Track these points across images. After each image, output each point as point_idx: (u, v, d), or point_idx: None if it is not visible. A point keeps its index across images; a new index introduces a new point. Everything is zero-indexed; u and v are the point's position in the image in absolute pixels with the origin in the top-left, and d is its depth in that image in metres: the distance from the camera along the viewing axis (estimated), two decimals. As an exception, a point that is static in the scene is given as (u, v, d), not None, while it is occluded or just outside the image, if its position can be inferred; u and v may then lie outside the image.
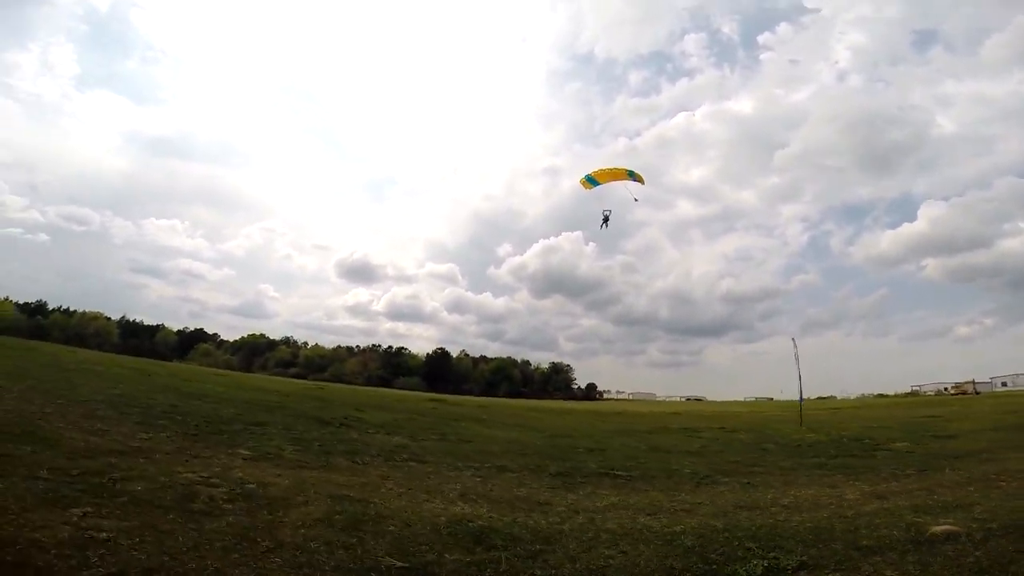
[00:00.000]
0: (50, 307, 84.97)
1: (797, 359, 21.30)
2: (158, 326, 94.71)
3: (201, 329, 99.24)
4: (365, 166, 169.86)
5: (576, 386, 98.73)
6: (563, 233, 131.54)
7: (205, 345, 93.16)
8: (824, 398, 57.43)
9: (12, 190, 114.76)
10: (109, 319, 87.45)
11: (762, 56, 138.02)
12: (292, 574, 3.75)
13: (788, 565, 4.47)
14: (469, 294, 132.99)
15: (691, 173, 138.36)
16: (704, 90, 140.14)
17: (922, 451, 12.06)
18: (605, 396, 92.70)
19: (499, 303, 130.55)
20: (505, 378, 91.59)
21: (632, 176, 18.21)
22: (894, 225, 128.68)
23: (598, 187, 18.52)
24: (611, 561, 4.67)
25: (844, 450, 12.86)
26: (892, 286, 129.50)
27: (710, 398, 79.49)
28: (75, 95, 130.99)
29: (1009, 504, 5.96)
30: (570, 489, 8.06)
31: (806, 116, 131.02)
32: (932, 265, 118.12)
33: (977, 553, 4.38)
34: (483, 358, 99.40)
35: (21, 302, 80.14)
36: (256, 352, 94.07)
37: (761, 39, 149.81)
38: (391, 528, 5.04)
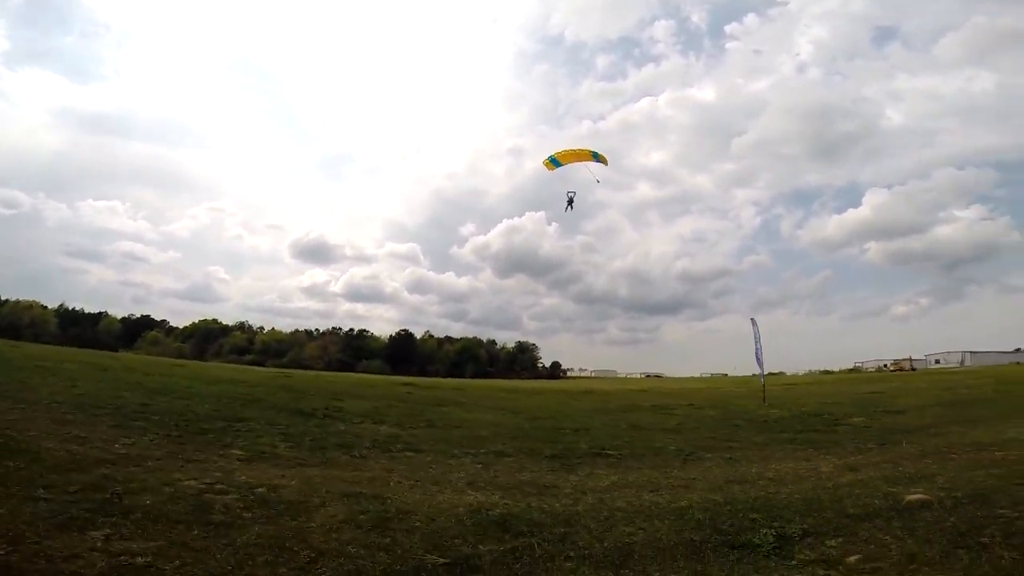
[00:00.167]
0: (-23, 296, 77.96)
1: (757, 339, 22.33)
2: (101, 314, 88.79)
3: (148, 315, 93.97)
4: (321, 143, 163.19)
5: (541, 364, 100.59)
6: (526, 213, 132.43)
7: (153, 332, 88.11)
8: (774, 374, 61.14)
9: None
10: (45, 307, 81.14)
11: (728, 45, 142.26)
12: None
13: (794, 533, 4.89)
14: (431, 274, 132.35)
15: (651, 157, 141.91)
16: (669, 76, 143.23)
17: (878, 426, 13.24)
18: (569, 374, 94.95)
19: (462, 282, 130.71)
20: (471, 358, 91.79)
21: (596, 157, 18.31)
22: (840, 210, 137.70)
23: (560, 168, 18.60)
24: (634, 538, 4.94)
25: (808, 425, 13.91)
26: (835, 268, 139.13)
27: (668, 374, 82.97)
28: (4, 72, 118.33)
29: (965, 475, 6.69)
30: (569, 471, 8.36)
31: (765, 106, 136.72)
32: (874, 249, 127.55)
33: (952, 519, 4.93)
34: (448, 339, 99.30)
35: (-55, 293, 73.03)
36: (209, 338, 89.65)
37: (728, 29, 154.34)
38: (417, 524, 5.10)
